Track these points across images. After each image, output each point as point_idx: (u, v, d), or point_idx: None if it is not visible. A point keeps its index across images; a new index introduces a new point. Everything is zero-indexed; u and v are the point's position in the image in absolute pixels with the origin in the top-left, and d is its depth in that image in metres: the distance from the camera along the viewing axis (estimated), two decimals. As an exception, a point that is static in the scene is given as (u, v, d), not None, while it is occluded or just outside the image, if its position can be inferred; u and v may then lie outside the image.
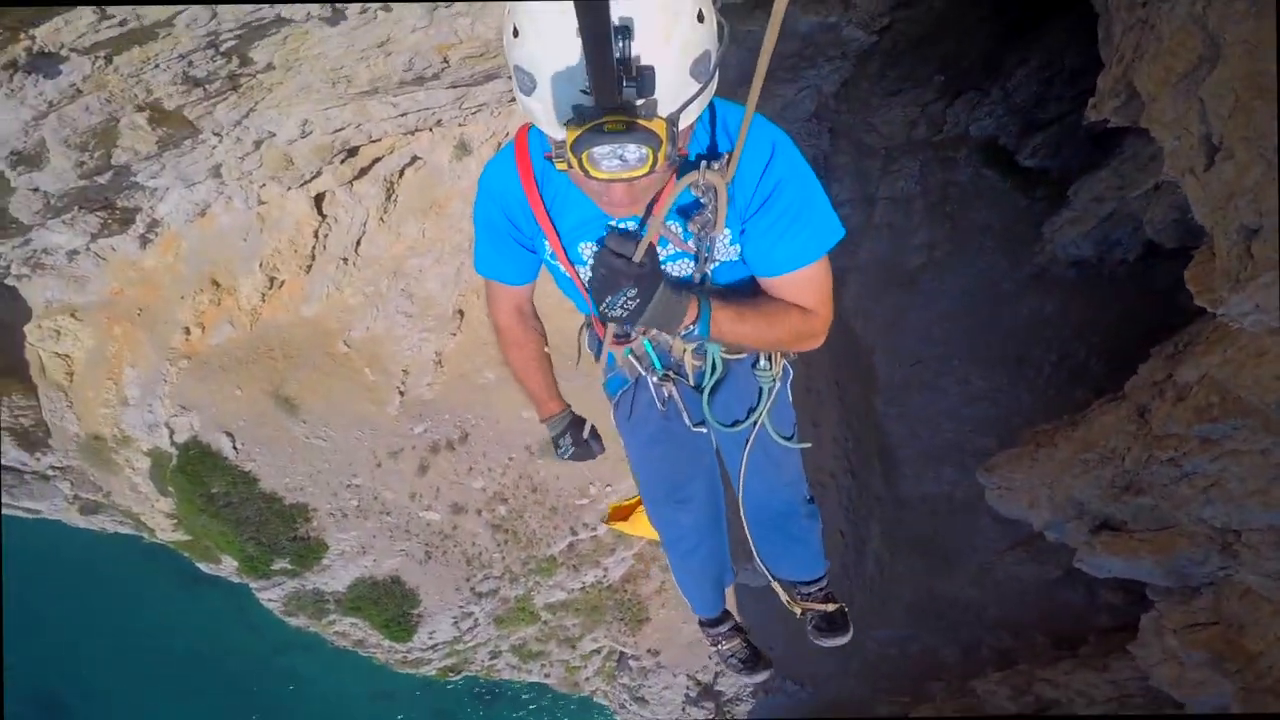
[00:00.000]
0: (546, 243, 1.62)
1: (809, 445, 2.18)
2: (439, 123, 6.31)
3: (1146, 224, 6.93)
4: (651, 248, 1.44)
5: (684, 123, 1.18)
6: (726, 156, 1.40)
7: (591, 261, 1.51)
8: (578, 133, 1.06)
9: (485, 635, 9.90)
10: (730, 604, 2.77)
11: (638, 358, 1.99)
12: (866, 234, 7.86)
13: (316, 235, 7.39)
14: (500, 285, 1.80)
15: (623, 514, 2.49)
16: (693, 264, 1.62)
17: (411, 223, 7.17)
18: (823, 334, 1.67)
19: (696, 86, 1.16)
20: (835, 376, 8.00)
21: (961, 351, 7.88)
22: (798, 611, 2.54)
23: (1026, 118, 7.69)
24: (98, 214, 7.47)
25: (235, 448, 9.05)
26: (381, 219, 7.19)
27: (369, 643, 10.42)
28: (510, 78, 1.21)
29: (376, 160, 6.74)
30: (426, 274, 7.68)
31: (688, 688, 9.46)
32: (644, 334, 1.88)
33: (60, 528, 11.60)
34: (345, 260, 7.57)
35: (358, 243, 7.43)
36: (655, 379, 2.01)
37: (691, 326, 1.50)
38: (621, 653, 9.72)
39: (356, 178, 6.85)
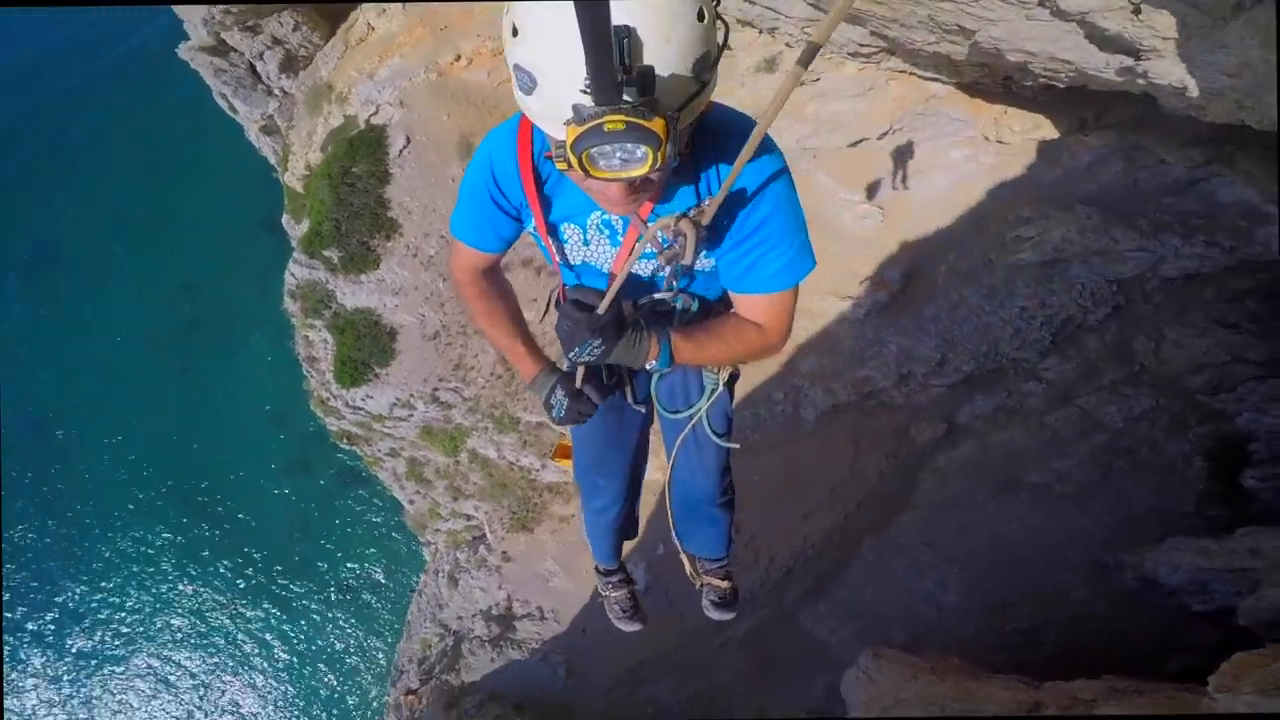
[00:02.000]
0: (532, 218, 1.67)
1: (737, 446, 2.31)
2: (774, 30, 6.31)
3: (1257, 595, 5.94)
4: (615, 299, 1.52)
5: (684, 122, 1.21)
6: (706, 202, 1.43)
7: (558, 316, 1.58)
8: (578, 132, 1.08)
9: (403, 433, 10.07)
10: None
11: None
12: (1026, 423, 6.96)
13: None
14: (469, 248, 1.82)
15: (567, 452, 2.60)
16: (668, 269, 1.68)
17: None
18: (777, 349, 1.73)
19: (697, 86, 1.19)
20: (863, 499, 7.75)
21: (976, 570, 7.16)
22: (697, 583, 2.82)
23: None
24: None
25: (401, 150, 10.33)
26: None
27: (317, 365, 10.81)
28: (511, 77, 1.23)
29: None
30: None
31: (496, 603, 9.03)
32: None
33: (230, 126, 13.43)
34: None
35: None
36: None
37: (654, 362, 1.61)
38: (484, 535, 9.48)
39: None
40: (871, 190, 7.49)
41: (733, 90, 7.28)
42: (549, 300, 2.07)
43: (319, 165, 11.38)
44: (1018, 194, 6.74)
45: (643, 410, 2.26)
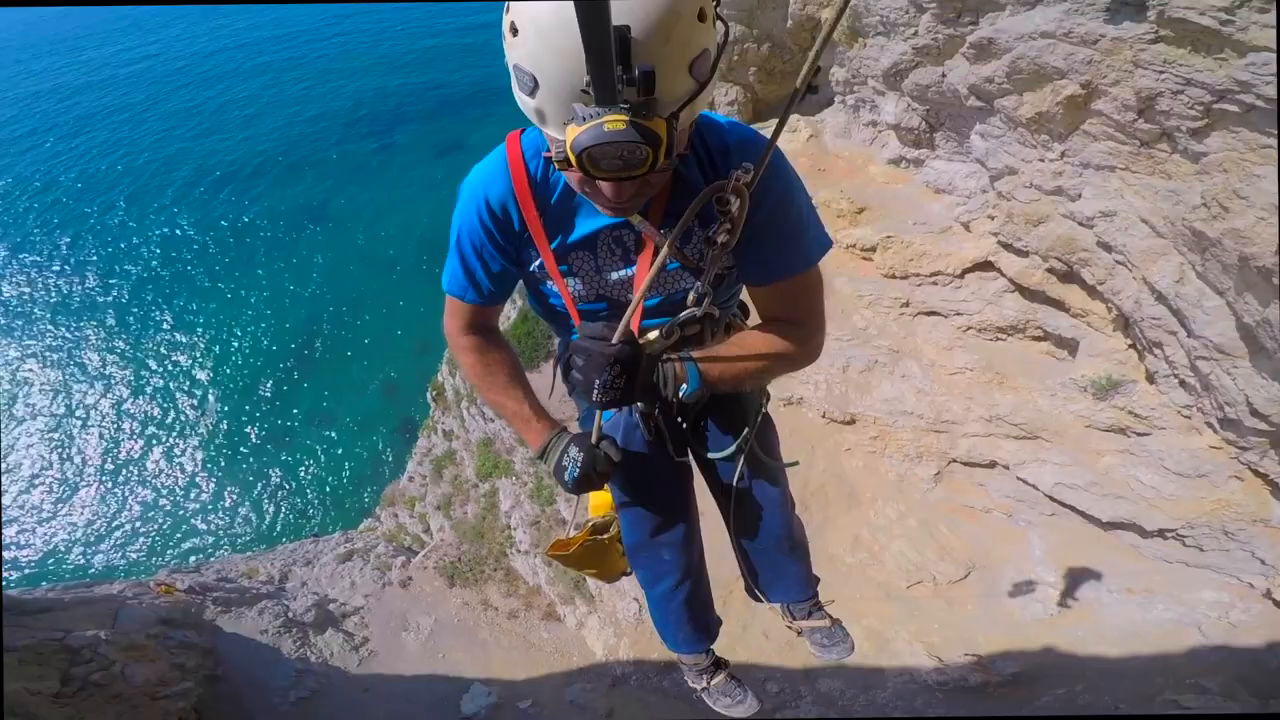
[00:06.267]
0: (535, 253, 1.57)
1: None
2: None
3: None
4: (628, 328, 1.41)
5: (684, 122, 1.18)
6: (742, 172, 1.32)
7: (570, 355, 1.44)
8: (578, 132, 1.07)
9: (471, 428, 9.48)
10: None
11: None
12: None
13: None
14: (465, 304, 1.72)
15: (564, 546, 2.31)
16: (692, 275, 1.59)
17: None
18: (816, 346, 1.63)
19: (696, 85, 1.17)
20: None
21: None
22: (797, 631, 2.49)
23: None
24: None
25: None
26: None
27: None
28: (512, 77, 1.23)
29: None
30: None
31: (342, 603, 7.40)
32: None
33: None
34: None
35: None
36: (640, 411, 1.95)
37: (683, 385, 1.50)
38: (416, 553, 8.02)
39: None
40: (1073, 585, 5.59)
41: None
42: (554, 370, 1.95)
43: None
44: (1223, 662, 4.56)
45: (687, 462, 2.09)
